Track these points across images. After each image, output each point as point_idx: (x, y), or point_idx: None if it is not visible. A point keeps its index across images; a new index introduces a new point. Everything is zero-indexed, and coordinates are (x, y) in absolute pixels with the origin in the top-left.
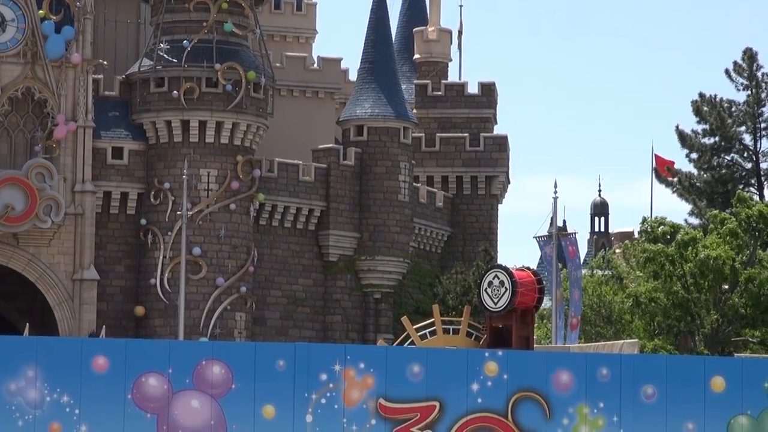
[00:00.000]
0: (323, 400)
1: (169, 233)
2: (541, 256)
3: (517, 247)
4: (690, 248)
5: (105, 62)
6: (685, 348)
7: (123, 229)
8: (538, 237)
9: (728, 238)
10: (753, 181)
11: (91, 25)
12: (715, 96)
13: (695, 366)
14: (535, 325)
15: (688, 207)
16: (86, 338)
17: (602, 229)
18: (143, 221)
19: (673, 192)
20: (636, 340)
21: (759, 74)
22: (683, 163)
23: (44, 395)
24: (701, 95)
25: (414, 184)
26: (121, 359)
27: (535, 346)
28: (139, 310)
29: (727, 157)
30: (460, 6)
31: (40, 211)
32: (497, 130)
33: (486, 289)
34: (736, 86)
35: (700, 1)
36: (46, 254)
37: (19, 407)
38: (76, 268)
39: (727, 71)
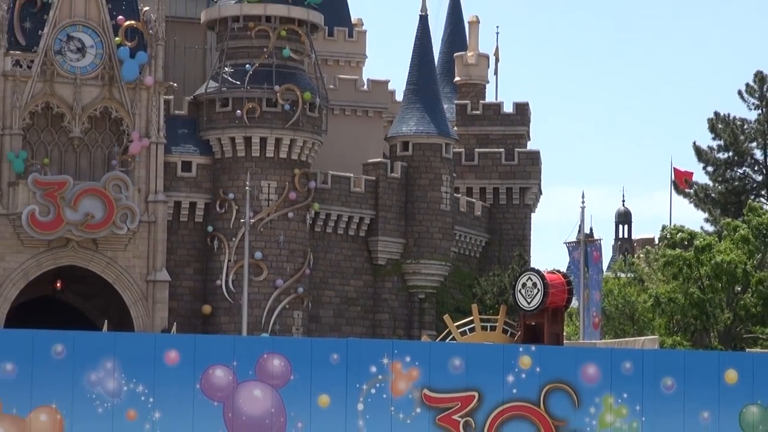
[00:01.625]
0: (373, 390)
1: (234, 239)
2: (570, 260)
3: (548, 251)
4: (706, 253)
5: (175, 84)
6: (701, 344)
7: (192, 236)
8: (568, 243)
9: (740, 243)
10: (763, 192)
11: (163, 50)
12: (729, 115)
13: (710, 360)
14: (564, 322)
15: (704, 215)
16: (159, 334)
17: (626, 236)
18: (210, 228)
19: (690, 202)
20: (656, 336)
21: None
22: (700, 176)
23: (121, 385)
24: (716, 114)
25: (455, 194)
26: (190, 353)
27: (564, 341)
28: (206, 308)
29: (739, 170)
30: (497, 33)
31: (117, 219)
32: (530, 145)
33: (520, 290)
34: (748, 106)
35: (716, 28)
36: (122, 258)
37: (99, 396)
38: (149, 271)
39: (739, 92)
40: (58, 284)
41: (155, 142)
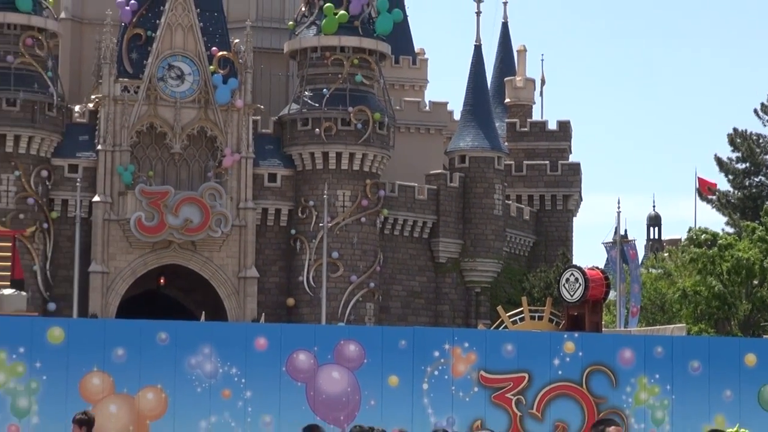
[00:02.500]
0: (436, 372)
1: (313, 241)
2: (607, 257)
3: (588, 251)
4: (727, 251)
5: (262, 106)
6: (723, 331)
7: (277, 238)
8: (605, 243)
9: (757, 243)
10: None
11: (251, 77)
12: (746, 130)
13: (732, 345)
14: (603, 313)
15: (725, 219)
16: (250, 323)
17: (656, 237)
18: (293, 231)
19: (713, 207)
20: (683, 324)
21: None
22: (721, 184)
23: (217, 368)
24: (735, 130)
25: (506, 201)
26: (277, 339)
27: (603, 329)
28: (290, 301)
29: (755, 179)
30: (542, 60)
31: (212, 224)
32: (572, 158)
33: (564, 284)
34: (762, 122)
35: (735, 53)
36: (217, 257)
37: (198, 377)
38: (240, 268)
39: (755, 110)
40: (162, 280)
41: (245, 157)
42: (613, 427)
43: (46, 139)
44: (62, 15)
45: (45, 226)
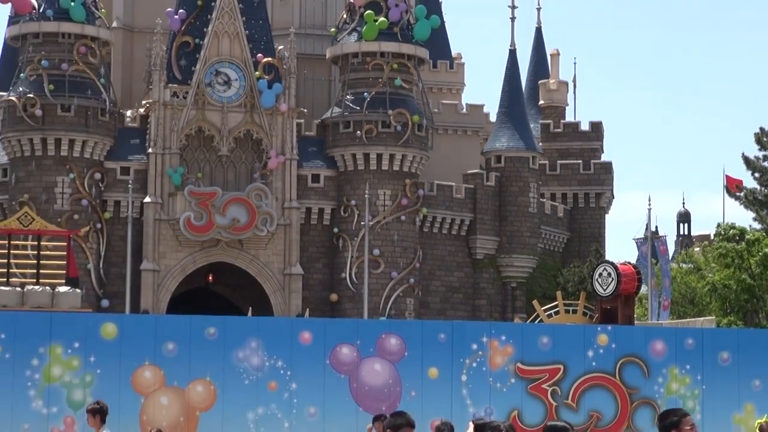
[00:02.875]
0: (474, 364)
1: (355, 238)
2: (638, 253)
3: (620, 246)
4: (754, 246)
5: (305, 110)
6: (751, 323)
7: (320, 236)
8: (636, 239)
9: None
10: None
11: (294, 82)
12: None
13: (760, 336)
14: (635, 306)
15: (752, 215)
16: (295, 318)
17: (686, 233)
18: (335, 230)
19: (741, 204)
20: (713, 317)
21: None
22: (748, 182)
23: (264, 361)
24: (761, 129)
25: (540, 199)
26: (321, 333)
27: (635, 322)
28: (333, 296)
29: None
30: (574, 63)
31: (258, 223)
32: (603, 157)
33: (597, 279)
34: None
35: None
36: (263, 255)
37: (245, 370)
38: (285, 265)
39: None
40: (210, 278)
41: (289, 159)
42: (687, 417)
43: (99, 143)
44: (114, 24)
45: (98, 226)
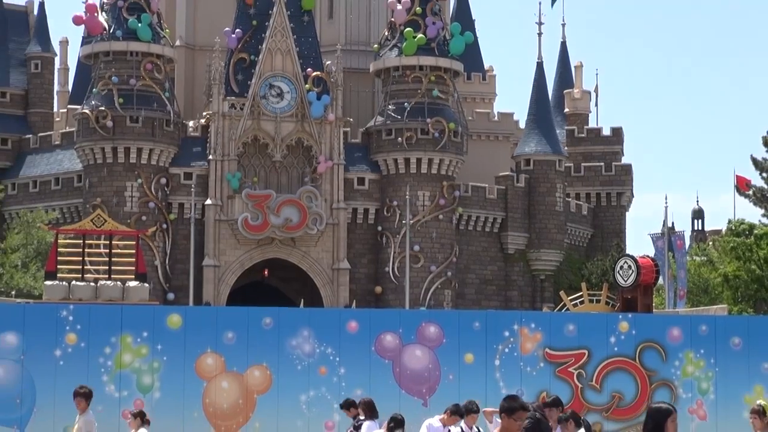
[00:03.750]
0: (506, 350)
1: (397, 236)
2: (655, 247)
3: (639, 241)
4: (763, 240)
5: (351, 119)
6: (761, 310)
7: (365, 234)
8: (652, 234)
9: None
10: None
11: (341, 94)
12: None
13: None
14: (653, 296)
15: (761, 211)
16: (343, 309)
17: (700, 228)
18: (379, 228)
19: (750, 201)
20: (725, 305)
21: None
22: (757, 181)
23: (314, 348)
24: None
25: (566, 198)
26: (366, 322)
27: (653, 310)
28: (378, 289)
29: None
30: (596, 74)
31: (309, 222)
32: (624, 160)
33: (618, 271)
34: None
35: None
36: (314, 251)
37: (298, 356)
38: (334, 261)
39: None
40: (266, 272)
41: (337, 163)
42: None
43: (164, 151)
44: (177, 42)
45: (164, 226)
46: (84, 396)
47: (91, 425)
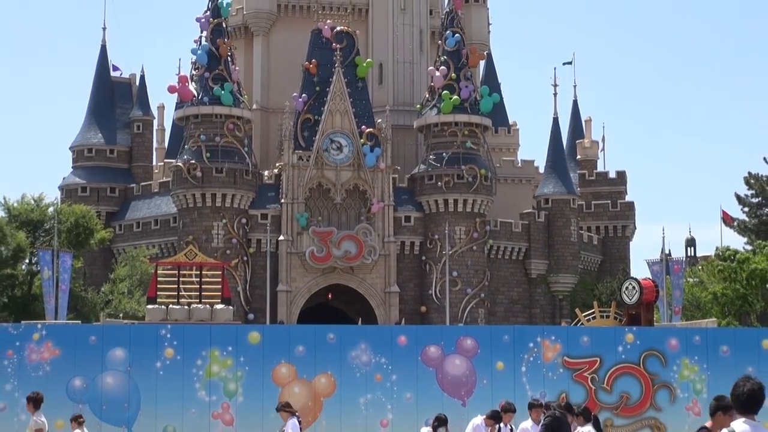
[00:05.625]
0: (531, 358)
1: (438, 264)
2: (655, 271)
3: (642, 266)
4: (745, 264)
5: (398, 167)
6: (745, 323)
7: (412, 263)
8: (648, 260)
9: None
10: None
11: (390, 146)
12: (758, 174)
13: (752, 334)
14: (654, 312)
15: (744, 239)
16: (394, 325)
17: (692, 255)
18: (423, 258)
19: (734, 231)
20: (715, 319)
21: None
22: (740, 214)
23: (371, 358)
24: (749, 173)
25: (579, 231)
26: (414, 337)
27: (654, 324)
28: (423, 308)
29: (766, 209)
30: (603, 126)
31: (365, 254)
32: (628, 198)
33: (624, 291)
34: None
35: (755, 113)
36: (369, 278)
37: (357, 366)
38: (386, 285)
39: (765, 158)
40: (329, 296)
41: (387, 204)
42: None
43: (244, 196)
44: (254, 106)
45: (245, 258)
46: (33, 401)
47: (42, 426)
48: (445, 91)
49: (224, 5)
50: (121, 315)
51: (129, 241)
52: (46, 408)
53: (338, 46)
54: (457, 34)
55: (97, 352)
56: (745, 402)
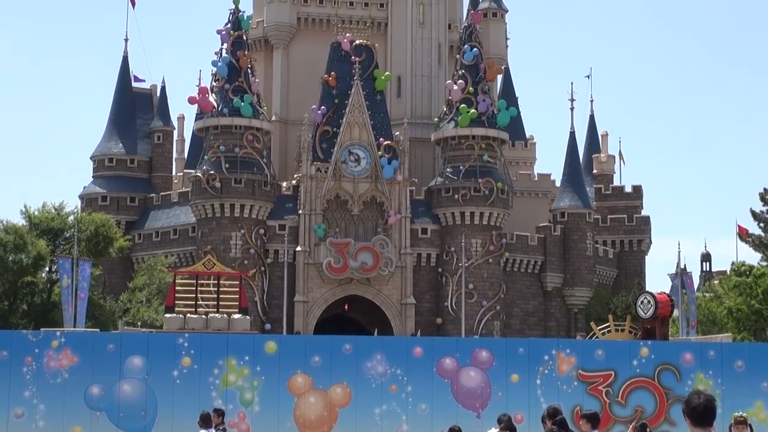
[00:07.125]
0: (546, 371)
1: (455, 276)
2: (672, 285)
3: (657, 280)
4: (761, 279)
5: (416, 180)
6: (760, 338)
7: (428, 274)
8: (670, 274)
9: None
10: None
11: (407, 159)
12: None
13: (767, 349)
14: (669, 326)
15: (760, 255)
16: (409, 337)
17: (708, 270)
18: (439, 270)
19: (750, 246)
20: (730, 334)
21: None
22: (756, 230)
23: (386, 369)
24: (765, 189)
25: (595, 245)
26: (429, 348)
27: (669, 338)
28: (439, 320)
29: None
30: (619, 141)
31: (381, 265)
32: (643, 212)
33: (640, 305)
34: None
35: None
36: (386, 289)
37: (373, 376)
38: (402, 297)
39: None
40: (346, 306)
41: (404, 216)
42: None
43: (262, 206)
44: (273, 118)
45: (262, 269)
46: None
47: None
48: (462, 105)
49: (245, 18)
50: (139, 323)
51: (148, 251)
52: (62, 415)
53: (357, 59)
54: (475, 48)
55: (115, 360)
56: (702, 414)
